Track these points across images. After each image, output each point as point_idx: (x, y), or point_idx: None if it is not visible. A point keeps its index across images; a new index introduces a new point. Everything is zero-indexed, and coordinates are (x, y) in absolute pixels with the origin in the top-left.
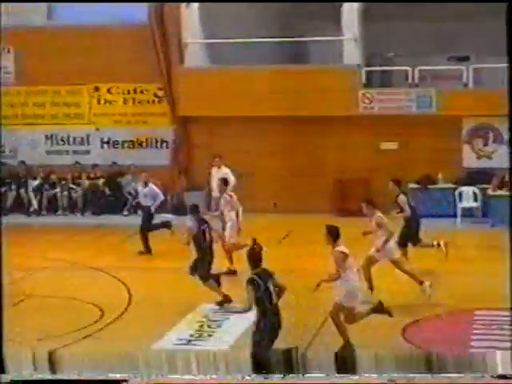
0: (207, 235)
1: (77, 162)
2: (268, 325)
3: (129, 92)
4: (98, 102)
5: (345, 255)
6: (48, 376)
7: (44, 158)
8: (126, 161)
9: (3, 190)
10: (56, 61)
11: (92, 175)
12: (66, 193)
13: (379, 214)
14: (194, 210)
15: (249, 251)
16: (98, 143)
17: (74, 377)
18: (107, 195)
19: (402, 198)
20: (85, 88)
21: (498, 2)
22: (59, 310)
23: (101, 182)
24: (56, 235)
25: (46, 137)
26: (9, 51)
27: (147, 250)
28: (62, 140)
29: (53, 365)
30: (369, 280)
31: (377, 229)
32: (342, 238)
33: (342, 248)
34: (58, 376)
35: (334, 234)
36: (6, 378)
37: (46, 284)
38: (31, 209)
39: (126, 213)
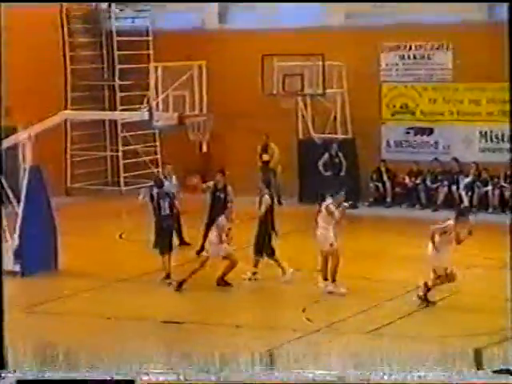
0: None
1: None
2: (156, 227)
3: None
4: None
5: None
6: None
7: (477, 155)
8: None
9: (435, 186)
10: (490, 57)
11: None
12: (497, 191)
13: None
14: None
15: (156, 181)
16: None
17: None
18: None
19: None
20: None
21: (498, 2)
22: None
23: None
24: (485, 234)
25: (481, 134)
26: (447, 48)
27: None
28: (497, 137)
29: None
30: None
31: None
32: None
33: None
34: None
35: None
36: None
37: (477, 282)
38: (461, 206)
39: None
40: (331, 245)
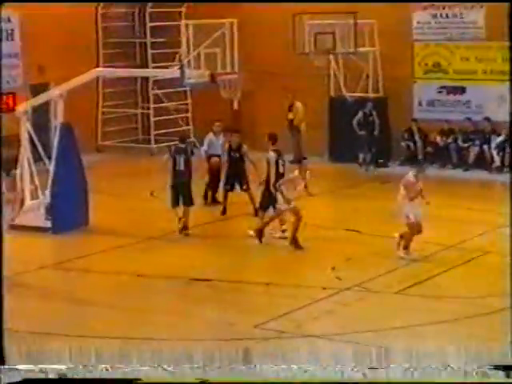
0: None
1: None
2: (170, 183)
3: None
4: None
5: None
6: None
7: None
8: None
9: (466, 145)
10: None
11: None
12: None
13: None
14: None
15: (180, 137)
16: None
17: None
18: None
19: None
20: None
21: (498, 2)
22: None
23: None
24: None
25: None
26: (480, 6)
27: None
28: None
29: None
30: None
31: None
32: None
33: None
34: None
35: None
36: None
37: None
38: (493, 165)
39: None
40: (407, 217)
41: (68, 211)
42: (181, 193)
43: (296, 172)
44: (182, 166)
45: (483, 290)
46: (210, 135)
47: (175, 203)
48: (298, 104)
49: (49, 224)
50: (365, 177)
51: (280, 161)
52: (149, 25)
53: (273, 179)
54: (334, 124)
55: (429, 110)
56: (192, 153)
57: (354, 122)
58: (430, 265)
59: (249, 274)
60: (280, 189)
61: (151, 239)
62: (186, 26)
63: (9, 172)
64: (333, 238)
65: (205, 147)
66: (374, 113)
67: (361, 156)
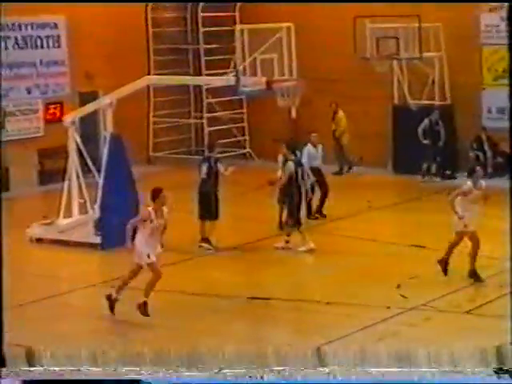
0: None
1: None
2: (198, 191)
3: None
4: None
5: None
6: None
7: None
8: None
9: None
10: None
11: None
12: None
13: None
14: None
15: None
16: None
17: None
18: None
19: None
20: None
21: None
22: None
23: None
24: None
25: None
26: None
27: None
28: None
29: None
30: None
31: None
32: None
33: None
34: None
35: None
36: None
37: None
38: None
39: None
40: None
41: (118, 226)
42: (204, 203)
43: (469, 183)
44: (203, 175)
45: None
46: (309, 147)
47: (200, 215)
48: (341, 114)
49: (98, 240)
50: (430, 189)
51: (299, 170)
52: (202, 30)
53: (296, 191)
54: (398, 133)
55: (499, 118)
56: (216, 161)
57: (420, 130)
58: (501, 282)
59: (308, 292)
60: (452, 204)
61: (205, 255)
62: (241, 31)
63: None
64: (397, 253)
65: (304, 159)
66: (441, 122)
67: (424, 166)
